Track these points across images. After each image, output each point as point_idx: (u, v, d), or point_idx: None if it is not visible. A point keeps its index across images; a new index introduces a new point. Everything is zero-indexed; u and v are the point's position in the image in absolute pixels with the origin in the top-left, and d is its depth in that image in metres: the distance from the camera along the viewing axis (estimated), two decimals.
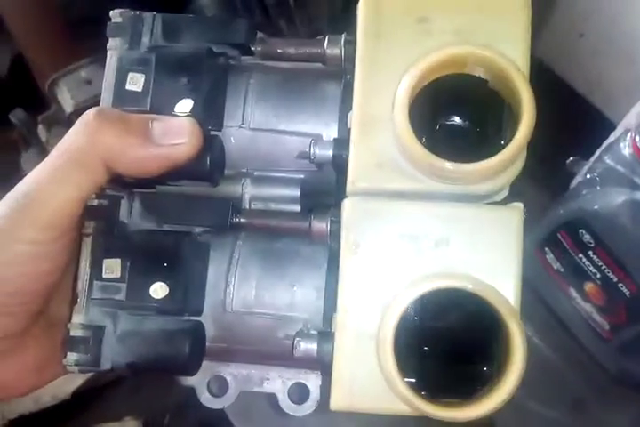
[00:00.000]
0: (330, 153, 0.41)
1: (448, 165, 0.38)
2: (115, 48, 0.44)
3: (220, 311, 0.43)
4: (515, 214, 0.41)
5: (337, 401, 0.40)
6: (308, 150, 0.42)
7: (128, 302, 0.42)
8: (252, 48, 0.45)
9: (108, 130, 0.41)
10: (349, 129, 0.41)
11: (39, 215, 0.40)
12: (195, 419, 0.93)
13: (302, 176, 0.45)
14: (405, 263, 0.40)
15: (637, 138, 0.71)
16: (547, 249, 0.84)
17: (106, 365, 0.43)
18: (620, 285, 0.76)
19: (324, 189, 0.46)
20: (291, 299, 0.43)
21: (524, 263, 0.40)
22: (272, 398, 0.47)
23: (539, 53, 0.96)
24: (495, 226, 0.40)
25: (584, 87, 0.99)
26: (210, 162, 0.42)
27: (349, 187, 0.40)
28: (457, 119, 0.40)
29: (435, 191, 0.40)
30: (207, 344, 0.44)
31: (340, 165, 0.41)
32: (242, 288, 0.43)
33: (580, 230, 0.77)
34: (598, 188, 0.76)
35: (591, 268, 0.79)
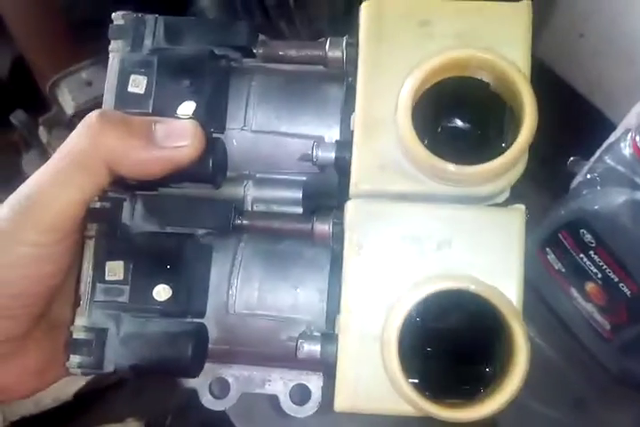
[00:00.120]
0: (332, 155, 0.42)
1: (450, 166, 0.38)
2: (117, 50, 0.44)
3: (223, 313, 0.43)
4: (516, 216, 0.41)
5: (341, 402, 0.40)
6: (310, 152, 0.42)
7: (131, 304, 0.42)
8: (254, 50, 0.45)
9: (111, 132, 0.41)
10: (352, 131, 0.41)
11: (42, 218, 0.40)
12: (196, 420, 0.93)
13: (304, 178, 0.45)
14: (408, 265, 0.40)
15: (638, 138, 0.71)
16: (548, 249, 0.84)
17: (109, 367, 0.43)
18: (620, 284, 0.76)
19: (326, 191, 0.46)
20: (293, 301, 0.43)
21: (526, 264, 0.40)
22: (274, 399, 0.47)
23: (539, 54, 0.96)
24: (497, 227, 0.40)
25: (584, 87, 0.99)
26: (212, 164, 0.42)
27: (352, 189, 0.41)
28: (459, 122, 0.40)
29: (437, 193, 0.40)
30: (209, 346, 0.44)
31: (342, 167, 0.41)
32: (244, 290, 0.43)
33: (581, 230, 0.77)
34: (599, 188, 0.76)
35: (592, 268, 0.79)
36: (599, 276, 0.78)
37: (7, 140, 1.14)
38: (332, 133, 0.44)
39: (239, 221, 0.44)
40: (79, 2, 1.08)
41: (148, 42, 0.44)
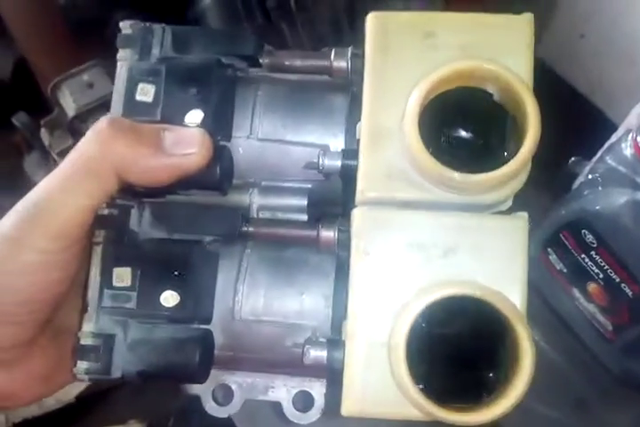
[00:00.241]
0: (338, 163, 0.42)
1: (456, 175, 0.38)
2: (125, 59, 0.44)
3: (229, 319, 0.44)
4: (520, 224, 0.41)
5: (349, 407, 0.40)
6: (315, 161, 0.42)
7: (139, 310, 0.42)
8: (260, 60, 0.46)
9: (120, 140, 0.41)
10: (358, 140, 0.41)
11: (50, 225, 0.40)
12: (199, 423, 0.93)
13: (309, 186, 0.46)
14: (414, 271, 0.41)
15: (639, 138, 0.71)
16: (549, 250, 0.84)
17: (116, 373, 0.43)
18: (622, 285, 0.76)
19: (331, 199, 0.46)
20: (299, 307, 0.43)
21: (529, 267, 0.41)
22: (277, 406, 0.48)
23: (540, 54, 0.95)
24: (501, 235, 0.41)
25: (585, 88, 0.99)
26: (219, 171, 0.42)
27: (359, 196, 0.41)
28: (462, 131, 0.41)
29: (442, 201, 0.41)
30: (215, 352, 0.44)
31: (347, 175, 0.42)
32: (250, 296, 0.44)
33: (583, 231, 0.77)
34: (600, 188, 0.76)
35: (594, 268, 0.79)
36: (601, 276, 0.78)
37: (9, 142, 1.13)
38: (337, 142, 0.44)
39: (245, 229, 0.44)
40: (79, 2, 1.08)
41: (155, 51, 0.45)
